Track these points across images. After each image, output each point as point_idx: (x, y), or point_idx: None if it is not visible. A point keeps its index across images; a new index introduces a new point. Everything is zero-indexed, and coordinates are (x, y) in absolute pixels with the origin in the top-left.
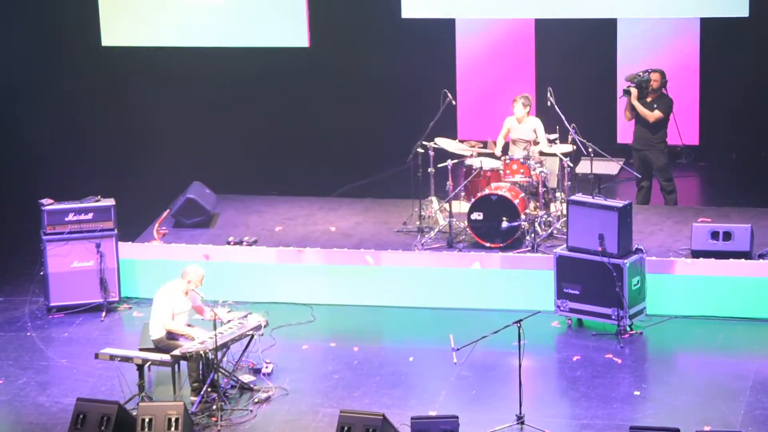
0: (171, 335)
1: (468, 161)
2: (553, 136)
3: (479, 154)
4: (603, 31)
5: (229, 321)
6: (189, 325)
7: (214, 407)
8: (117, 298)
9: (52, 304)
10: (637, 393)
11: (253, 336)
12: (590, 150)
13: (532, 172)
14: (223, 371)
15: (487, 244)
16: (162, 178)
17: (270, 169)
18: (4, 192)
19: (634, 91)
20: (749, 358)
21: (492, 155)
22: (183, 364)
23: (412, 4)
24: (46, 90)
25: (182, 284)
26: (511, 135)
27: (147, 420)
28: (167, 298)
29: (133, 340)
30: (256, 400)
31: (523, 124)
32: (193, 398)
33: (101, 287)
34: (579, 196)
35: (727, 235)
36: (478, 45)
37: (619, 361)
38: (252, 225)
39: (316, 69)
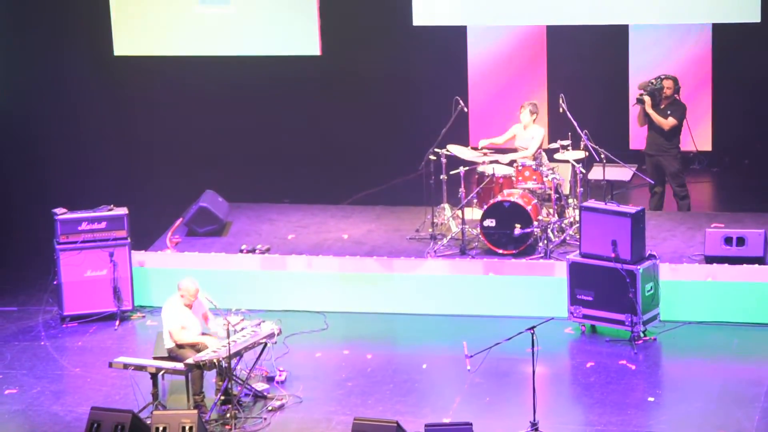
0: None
1: (480, 168)
2: (565, 143)
3: (491, 161)
4: (615, 38)
5: (243, 329)
6: (202, 334)
7: (228, 415)
8: (130, 307)
9: (65, 314)
10: (651, 399)
11: (266, 344)
12: (602, 156)
13: (545, 179)
14: (236, 379)
15: (500, 251)
16: (175, 187)
17: (282, 177)
18: (18, 201)
19: (647, 99)
20: (764, 363)
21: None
22: None
23: (424, 11)
24: (58, 99)
25: (181, 299)
26: (516, 142)
27: (161, 428)
28: (173, 313)
29: (147, 348)
30: (269, 407)
31: (527, 131)
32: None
33: (115, 296)
34: (592, 203)
35: (741, 241)
36: (490, 52)
37: (633, 367)
38: (264, 233)
39: (327, 77)
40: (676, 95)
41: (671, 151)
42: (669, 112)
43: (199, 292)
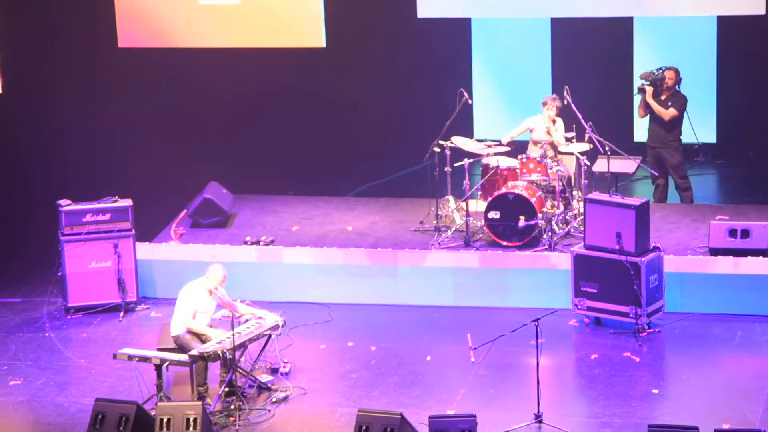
0: (191, 332)
1: (485, 160)
2: (570, 135)
3: (496, 153)
4: (619, 30)
5: (247, 321)
6: (210, 326)
7: (233, 407)
8: (135, 299)
9: (70, 305)
10: (655, 391)
11: (270, 336)
12: (607, 148)
13: (549, 171)
14: (241, 371)
15: (504, 243)
16: (179, 179)
17: (286, 168)
18: (22, 193)
19: (648, 89)
20: None
21: (506, 153)
22: None
23: (428, 3)
24: (63, 92)
25: (205, 283)
26: (535, 135)
27: (165, 420)
28: (190, 296)
29: (151, 340)
30: (274, 399)
31: (554, 125)
32: (210, 401)
33: (119, 288)
34: (596, 195)
35: (745, 233)
36: (494, 44)
37: (638, 359)
38: (269, 225)
39: (332, 69)
40: (677, 86)
41: (672, 143)
42: (670, 103)
43: (225, 280)
